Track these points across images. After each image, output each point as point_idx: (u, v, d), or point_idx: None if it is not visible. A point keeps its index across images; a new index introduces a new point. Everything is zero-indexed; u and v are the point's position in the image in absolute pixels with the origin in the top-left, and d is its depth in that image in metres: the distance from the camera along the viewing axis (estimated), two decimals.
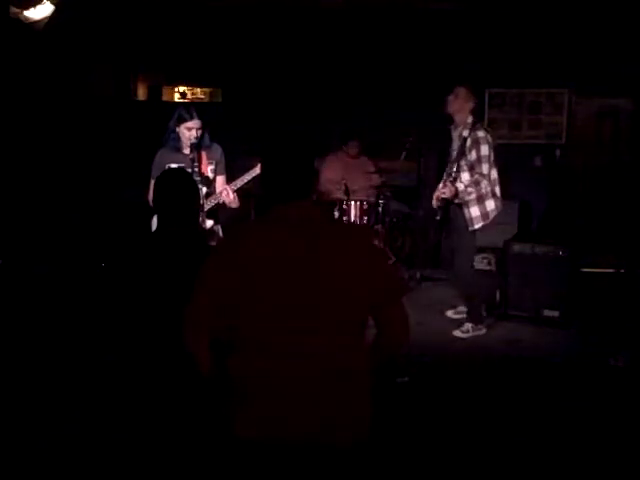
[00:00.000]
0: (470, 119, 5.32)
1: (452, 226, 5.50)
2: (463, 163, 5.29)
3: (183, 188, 2.85)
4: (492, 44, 7.59)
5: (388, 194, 6.95)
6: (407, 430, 3.74)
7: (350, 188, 6.74)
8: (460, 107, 5.32)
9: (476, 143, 5.21)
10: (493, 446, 3.61)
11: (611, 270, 5.69)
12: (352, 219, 6.58)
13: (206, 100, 8.27)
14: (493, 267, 6.48)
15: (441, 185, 5.42)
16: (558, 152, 7.87)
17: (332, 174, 6.77)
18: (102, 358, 3.89)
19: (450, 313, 5.92)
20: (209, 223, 4.35)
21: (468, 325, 5.45)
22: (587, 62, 7.52)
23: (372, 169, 7.16)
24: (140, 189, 4.41)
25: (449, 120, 5.48)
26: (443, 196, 5.32)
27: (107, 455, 3.18)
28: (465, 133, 5.27)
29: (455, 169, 5.32)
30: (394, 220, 7.03)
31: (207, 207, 4.31)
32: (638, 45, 7.15)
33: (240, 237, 2.15)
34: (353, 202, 6.65)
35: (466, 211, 5.33)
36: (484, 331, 5.48)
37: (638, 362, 4.69)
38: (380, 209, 6.81)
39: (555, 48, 7.54)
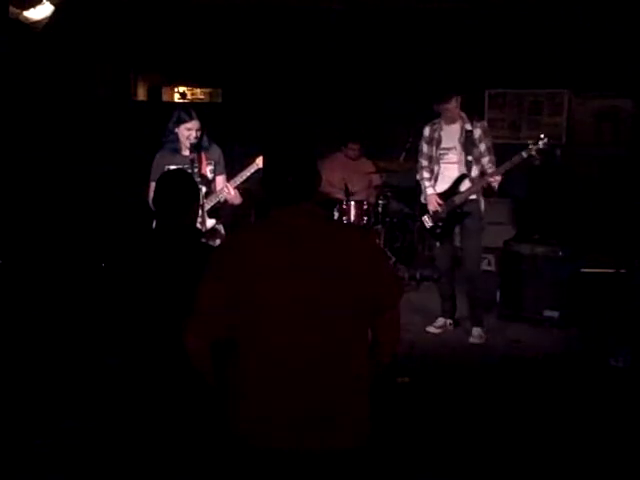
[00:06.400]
0: (463, 113, 5.29)
1: (466, 226, 5.31)
2: (470, 158, 5.20)
3: (184, 188, 2.86)
4: (492, 44, 7.59)
5: (388, 194, 6.95)
6: (407, 430, 3.74)
7: (350, 189, 6.74)
8: (459, 110, 5.29)
9: (486, 133, 5.26)
10: (493, 446, 3.61)
11: (611, 270, 5.68)
12: (352, 219, 6.56)
13: (206, 100, 8.28)
14: (493, 267, 6.47)
15: (468, 183, 5.20)
16: (558, 152, 7.86)
17: (332, 176, 6.76)
18: (103, 359, 3.89)
19: (432, 329, 5.54)
20: (210, 222, 4.36)
21: (480, 330, 5.32)
22: (587, 62, 7.52)
23: (372, 170, 7.16)
24: (140, 189, 4.41)
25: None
26: (494, 183, 5.15)
27: (108, 456, 3.18)
28: (468, 126, 5.23)
29: (463, 166, 5.21)
30: (394, 220, 7.02)
31: (208, 206, 4.34)
32: (638, 45, 7.16)
33: (242, 240, 2.15)
34: (353, 202, 6.63)
35: (482, 204, 5.29)
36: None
37: (638, 362, 4.69)
38: (380, 209, 6.80)
39: (555, 48, 7.54)
